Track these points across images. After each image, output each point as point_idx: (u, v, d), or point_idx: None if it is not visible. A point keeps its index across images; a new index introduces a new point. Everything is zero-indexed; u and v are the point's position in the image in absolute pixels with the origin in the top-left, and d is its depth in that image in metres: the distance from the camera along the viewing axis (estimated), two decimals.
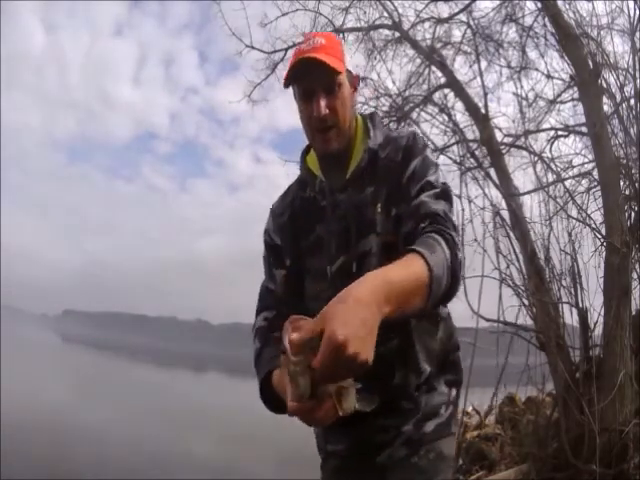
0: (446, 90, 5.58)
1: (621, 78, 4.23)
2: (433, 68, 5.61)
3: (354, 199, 1.20)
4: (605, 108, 4.36)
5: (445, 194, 1.13)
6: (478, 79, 5.43)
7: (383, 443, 1.21)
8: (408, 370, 1.19)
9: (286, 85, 1.17)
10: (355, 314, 0.75)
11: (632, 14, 4.18)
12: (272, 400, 1.06)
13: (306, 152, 1.34)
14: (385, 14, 5.53)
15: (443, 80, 5.54)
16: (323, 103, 1.14)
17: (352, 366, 0.75)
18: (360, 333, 0.74)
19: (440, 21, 5.44)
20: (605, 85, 4.32)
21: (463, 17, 5.49)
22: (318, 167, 1.28)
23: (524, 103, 5.28)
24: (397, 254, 0.99)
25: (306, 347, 0.75)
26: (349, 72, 1.20)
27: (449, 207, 1.12)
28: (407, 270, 0.88)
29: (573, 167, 4.96)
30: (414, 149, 1.19)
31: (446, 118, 5.51)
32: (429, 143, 4.60)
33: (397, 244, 1.12)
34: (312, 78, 1.13)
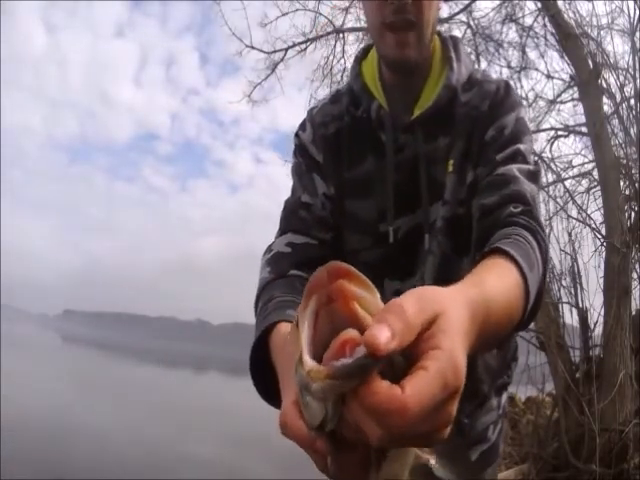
0: None
1: (621, 78, 4.24)
2: None
3: (424, 148, 0.91)
4: (605, 108, 4.37)
5: (538, 176, 0.88)
6: None
7: None
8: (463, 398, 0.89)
9: None
10: (464, 357, 0.43)
11: (632, 14, 4.18)
12: (261, 371, 0.65)
13: (361, 57, 1.02)
14: None
15: None
16: None
17: (437, 430, 0.41)
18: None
19: (440, 21, 5.43)
20: (605, 85, 4.32)
21: (463, 17, 5.49)
22: (376, 84, 0.96)
23: (524, 103, 5.28)
24: (465, 232, 0.82)
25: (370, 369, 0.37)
26: None
27: (539, 195, 0.87)
28: (507, 296, 0.59)
29: (573, 167, 4.98)
30: (507, 101, 0.91)
31: None
32: None
33: (466, 220, 0.87)
34: None
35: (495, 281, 0.57)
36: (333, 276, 0.41)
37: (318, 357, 0.40)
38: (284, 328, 0.63)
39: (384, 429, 0.36)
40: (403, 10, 0.83)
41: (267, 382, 0.62)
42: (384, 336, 0.36)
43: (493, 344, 0.65)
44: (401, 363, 0.38)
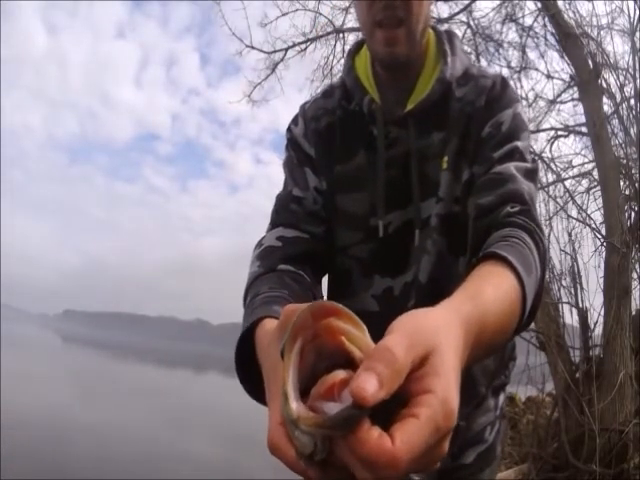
0: None
1: (621, 78, 4.25)
2: None
3: (416, 143, 0.89)
4: (605, 108, 4.38)
5: (536, 174, 0.86)
6: None
7: None
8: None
9: None
10: (457, 396, 0.41)
11: (632, 14, 4.20)
12: (247, 366, 0.62)
13: (355, 51, 1.01)
14: None
15: None
16: None
17: (428, 466, 0.41)
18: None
19: (440, 21, 5.43)
20: (605, 85, 4.33)
21: (463, 17, 5.50)
22: (369, 78, 0.95)
23: (524, 103, 5.28)
24: (461, 231, 0.82)
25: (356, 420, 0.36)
26: None
27: (536, 194, 0.85)
28: (503, 306, 0.58)
29: (573, 167, 5.00)
30: (504, 97, 0.90)
31: None
32: None
33: (461, 218, 0.86)
34: None
35: (491, 291, 0.57)
36: (318, 316, 0.40)
37: (303, 382, 0.40)
38: (269, 324, 0.62)
39: (373, 475, 0.36)
40: (392, 7, 0.83)
41: (252, 377, 0.61)
42: (372, 386, 0.35)
43: (489, 354, 0.64)
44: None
